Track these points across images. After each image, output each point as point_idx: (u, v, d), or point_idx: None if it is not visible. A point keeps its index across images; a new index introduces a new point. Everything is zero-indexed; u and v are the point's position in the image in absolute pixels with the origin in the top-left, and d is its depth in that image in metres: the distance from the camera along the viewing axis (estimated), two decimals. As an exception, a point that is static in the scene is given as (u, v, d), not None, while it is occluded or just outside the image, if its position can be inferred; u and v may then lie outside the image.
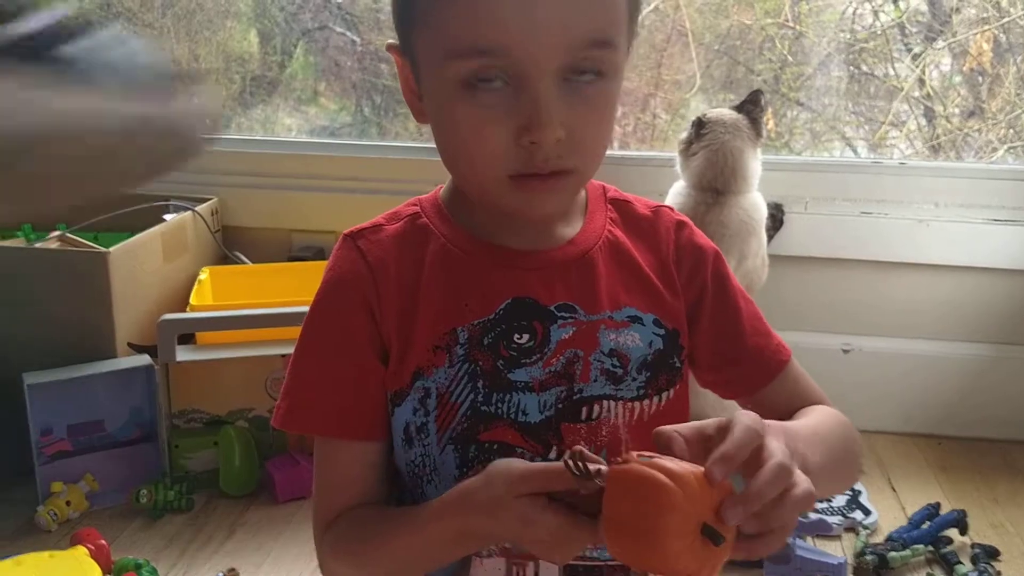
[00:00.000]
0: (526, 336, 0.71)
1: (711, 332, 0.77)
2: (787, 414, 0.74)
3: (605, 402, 0.71)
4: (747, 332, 0.77)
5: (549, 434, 0.70)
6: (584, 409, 0.71)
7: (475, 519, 0.64)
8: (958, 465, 1.57)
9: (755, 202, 1.51)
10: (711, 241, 0.80)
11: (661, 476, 0.55)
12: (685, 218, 0.80)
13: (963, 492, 1.50)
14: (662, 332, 0.75)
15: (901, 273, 1.68)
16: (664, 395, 0.74)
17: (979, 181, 1.68)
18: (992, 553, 1.30)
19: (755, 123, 1.54)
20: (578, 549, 0.62)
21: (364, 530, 0.72)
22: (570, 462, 0.58)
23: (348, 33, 2.15)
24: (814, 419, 0.74)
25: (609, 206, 0.78)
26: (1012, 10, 1.80)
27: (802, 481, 0.58)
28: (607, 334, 0.72)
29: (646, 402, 0.73)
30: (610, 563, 0.72)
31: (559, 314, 0.72)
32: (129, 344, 1.49)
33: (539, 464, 0.63)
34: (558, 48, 0.62)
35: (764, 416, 0.63)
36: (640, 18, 0.72)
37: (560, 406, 0.71)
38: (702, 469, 0.56)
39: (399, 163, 1.89)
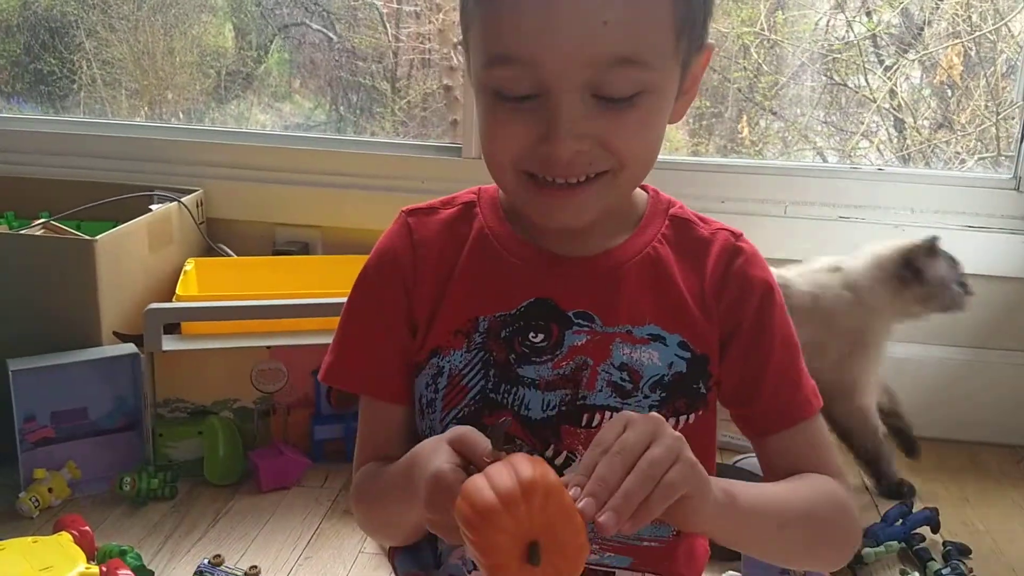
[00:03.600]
0: (541, 336, 0.73)
1: (738, 367, 0.76)
2: (789, 472, 0.74)
3: (609, 413, 0.72)
4: (770, 376, 0.76)
5: (548, 432, 0.72)
6: (586, 416, 0.72)
7: (415, 467, 0.65)
8: (929, 465, 1.60)
9: None
10: (771, 275, 0.77)
11: (487, 495, 0.55)
12: (747, 245, 0.78)
13: (934, 491, 1.54)
14: (687, 355, 0.74)
15: (877, 277, 1.71)
16: (682, 419, 0.74)
17: (954, 188, 1.72)
18: (964, 551, 1.33)
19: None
20: (444, 508, 0.59)
21: (370, 483, 0.76)
22: (497, 424, 0.59)
23: (325, 30, 2.15)
24: (793, 481, 0.73)
25: (667, 222, 0.78)
26: (983, 24, 1.85)
27: (666, 436, 0.58)
28: (621, 348, 0.73)
29: None
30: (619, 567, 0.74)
31: (576, 320, 0.73)
32: (114, 333, 1.49)
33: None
34: (580, 63, 0.62)
35: (767, 471, 0.67)
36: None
37: (563, 408, 0.72)
38: (553, 479, 0.56)
39: (383, 159, 1.90)
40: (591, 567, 0.72)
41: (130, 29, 2.16)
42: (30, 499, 1.35)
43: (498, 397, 0.73)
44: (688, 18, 0.66)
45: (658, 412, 0.70)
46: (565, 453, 0.72)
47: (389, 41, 2.14)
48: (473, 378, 0.74)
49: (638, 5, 0.62)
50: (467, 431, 0.62)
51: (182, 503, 1.41)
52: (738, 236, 0.78)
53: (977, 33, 1.87)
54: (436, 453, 0.62)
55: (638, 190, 0.78)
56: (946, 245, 1.66)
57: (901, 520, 1.37)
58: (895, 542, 1.33)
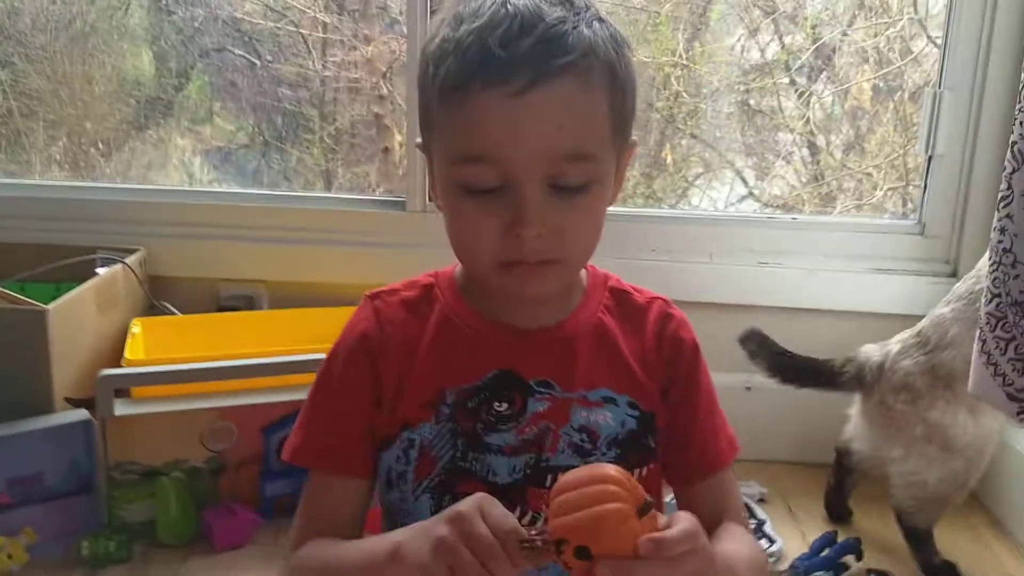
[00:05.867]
0: (505, 405, 0.81)
1: (669, 417, 0.86)
2: (710, 518, 0.82)
3: None
4: (698, 425, 0.86)
5: (515, 495, 0.79)
6: (549, 477, 0.80)
7: (410, 534, 0.71)
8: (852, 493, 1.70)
9: None
10: (696, 336, 0.89)
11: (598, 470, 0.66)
12: (675, 312, 0.89)
13: (856, 519, 1.64)
14: (636, 413, 0.84)
15: (795, 317, 1.82)
16: (636, 472, 0.82)
17: (862, 235, 1.85)
18: (886, 577, 1.43)
19: None
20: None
21: (327, 560, 0.80)
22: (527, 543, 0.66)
23: (248, 55, 2.16)
24: (737, 542, 0.81)
25: (607, 294, 0.88)
26: (891, 55, 1.99)
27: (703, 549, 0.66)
28: (579, 411, 0.81)
29: None
30: None
31: (537, 389, 0.81)
32: (66, 399, 1.51)
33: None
34: (540, 159, 0.73)
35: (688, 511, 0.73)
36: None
37: (528, 472, 0.80)
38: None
39: (326, 213, 1.96)
40: None
41: (47, 59, 2.15)
42: (-14, 567, 1.36)
43: (466, 465, 0.80)
44: (620, 119, 0.78)
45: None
46: (531, 514, 0.79)
47: (316, 68, 2.17)
48: (442, 448, 0.81)
49: (584, 111, 0.74)
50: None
51: (138, 565, 1.43)
52: (668, 303, 0.90)
53: (885, 70, 2.01)
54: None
55: None
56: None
57: (827, 549, 1.47)
58: (822, 572, 1.42)
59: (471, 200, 0.75)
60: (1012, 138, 1.20)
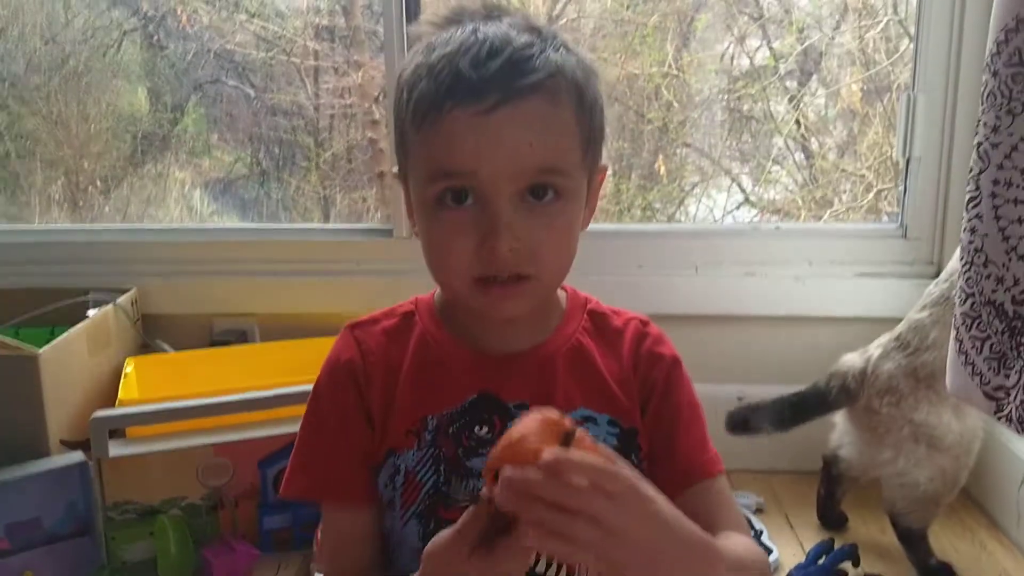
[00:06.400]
0: (485, 428, 0.82)
1: (650, 428, 0.87)
2: (705, 528, 0.81)
3: None
4: (680, 434, 0.87)
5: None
6: None
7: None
8: (844, 500, 1.71)
9: None
10: (676, 351, 0.90)
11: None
12: (652, 329, 0.90)
13: (852, 524, 1.65)
14: (616, 431, 0.85)
15: (783, 326, 1.83)
16: None
17: (846, 240, 1.86)
18: (883, 582, 1.44)
19: None
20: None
21: None
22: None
23: (242, 86, 2.19)
24: (738, 547, 0.80)
25: (585, 316, 0.89)
26: (876, 56, 2.01)
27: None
28: None
29: None
30: None
31: (517, 411, 0.82)
32: (61, 441, 1.53)
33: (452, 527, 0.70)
34: (512, 174, 0.75)
35: None
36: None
37: None
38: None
39: (315, 244, 1.98)
40: None
41: (42, 100, 2.18)
42: (-13, 615, 1.37)
43: (449, 490, 0.81)
44: (590, 137, 0.81)
45: None
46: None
47: (309, 96, 2.20)
48: (426, 474, 0.82)
49: (553, 128, 0.77)
50: (454, 533, 0.69)
51: (139, 604, 1.45)
52: (645, 323, 0.91)
53: (873, 70, 2.02)
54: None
55: (559, 290, 0.89)
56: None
57: (824, 557, 1.48)
58: (817, 580, 1.43)
59: (445, 218, 0.77)
60: (977, 139, 1.22)
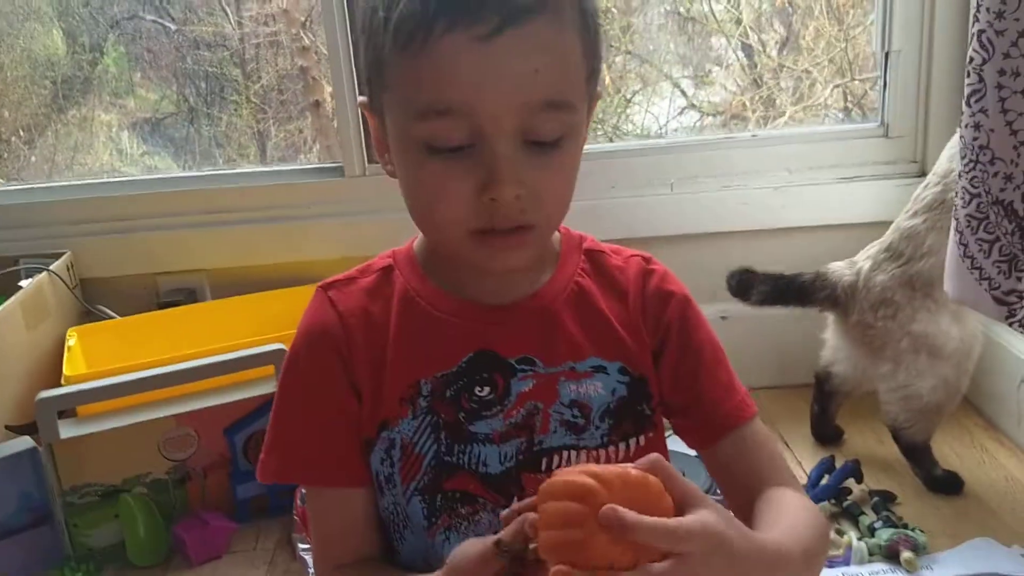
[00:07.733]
0: (487, 389, 0.74)
1: (671, 377, 0.79)
2: (744, 480, 0.76)
3: (566, 452, 0.74)
4: (704, 380, 0.78)
5: (510, 484, 0.73)
6: (544, 460, 0.73)
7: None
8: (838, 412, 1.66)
9: None
10: (685, 288, 0.81)
11: (587, 479, 0.57)
12: (658, 266, 0.82)
13: (849, 437, 1.61)
14: (627, 379, 0.77)
15: (764, 239, 1.76)
16: (631, 442, 0.76)
17: (825, 143, 1.79)
18: (890, 498, 1.39)
19: None
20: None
21: None
22: (500, 550, 0.60)
23: (161, 20, 2.07)
24: (786, 525, 0.71)
25: (583, 256, 0.80)
26: None
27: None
28: (567, 386, 0.75)
29: (611, 449, 0.75)
30: None
31: (519, 367, 0.74)
32: (6, 427, 1.41)
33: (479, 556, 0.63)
34: (515, 108, 0.65)
35: (725, 482, 0.69)
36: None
37: (521, 457, 0.73)
38: (630, 470, 0.58)
39: (262, 190, 1.85)
40: None
41: None
42: (-56, 621, 1.27)
43: (453, 459, 0.73)
44: (593, 65, 0.71)
45: (607, 438, 0.75)
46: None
47: (232, 26, 2.08)
48: (425, 444, 0.74)
49: (559, 54, 0.67)
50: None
51: (111, 593, 1.36)
52: (648, 260, 0.82)
53: None
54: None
55: None
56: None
57: (827, 476, 1.43)
58: (825, 503, 1.37)
59: (436, 161, 0.66)
60: (978, 27, 1.13)
